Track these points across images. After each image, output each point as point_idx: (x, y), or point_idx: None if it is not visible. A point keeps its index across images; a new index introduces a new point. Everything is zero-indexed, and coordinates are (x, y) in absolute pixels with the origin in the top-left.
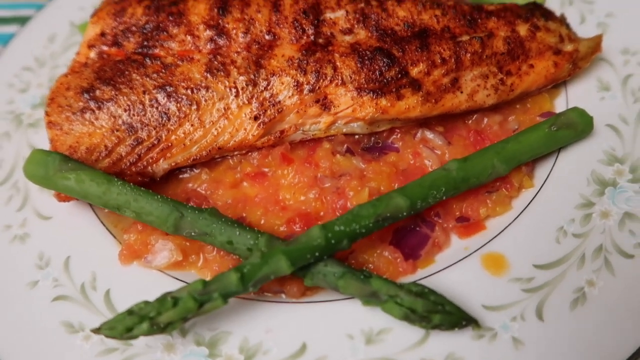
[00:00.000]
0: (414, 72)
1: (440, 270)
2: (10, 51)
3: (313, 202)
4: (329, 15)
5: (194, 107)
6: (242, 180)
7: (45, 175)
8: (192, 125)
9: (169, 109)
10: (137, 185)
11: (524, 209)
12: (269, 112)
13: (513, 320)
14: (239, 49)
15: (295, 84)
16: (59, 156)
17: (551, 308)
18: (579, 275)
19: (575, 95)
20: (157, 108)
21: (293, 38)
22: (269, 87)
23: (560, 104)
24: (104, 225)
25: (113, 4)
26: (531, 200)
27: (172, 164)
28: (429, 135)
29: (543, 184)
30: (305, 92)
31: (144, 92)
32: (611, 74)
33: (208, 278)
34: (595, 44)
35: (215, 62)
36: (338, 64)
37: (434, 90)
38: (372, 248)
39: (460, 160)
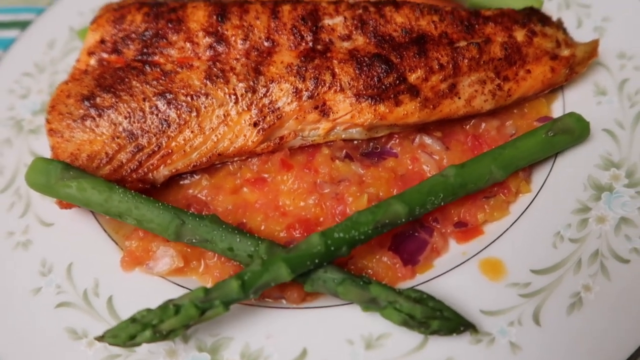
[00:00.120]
0: (412, 78)
1: (439, 276)
2: (11, 57)
3: (313, 208)
4: (327, 21)
5: (194, 113)
6: (242, 186)
7: (47, 184)
8: (192, 131)
9: (169, 116)
10: (138, 191)
11: (522, 214)
12: (268, 118)
13: (510, 325)
14: (238, 56)
15: (294, 90)
16: (60, 164)
17: (548, 313)
18: (576, 280)
19: (572, 100)
20: (157, 115)
21: (292, 45)
22: (268, 94)
23: (557, 108)
24: (105, 232)
25: (112, 11)
26: (528, 206)
27: (173, 171)
28: (427, 140)
29: (540, 189)
30: (304, 98)
31: (144, 99)
32: (608, 78)
33: (209, 284)
34: (592, 48)
35: (215, 69)
36: (336, 70)
37: (431, 96)
38: (371, 254)
39: (458, 167)
